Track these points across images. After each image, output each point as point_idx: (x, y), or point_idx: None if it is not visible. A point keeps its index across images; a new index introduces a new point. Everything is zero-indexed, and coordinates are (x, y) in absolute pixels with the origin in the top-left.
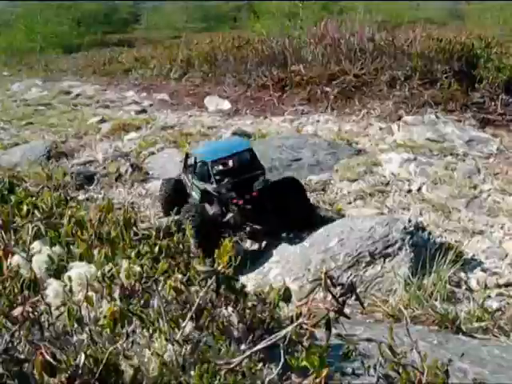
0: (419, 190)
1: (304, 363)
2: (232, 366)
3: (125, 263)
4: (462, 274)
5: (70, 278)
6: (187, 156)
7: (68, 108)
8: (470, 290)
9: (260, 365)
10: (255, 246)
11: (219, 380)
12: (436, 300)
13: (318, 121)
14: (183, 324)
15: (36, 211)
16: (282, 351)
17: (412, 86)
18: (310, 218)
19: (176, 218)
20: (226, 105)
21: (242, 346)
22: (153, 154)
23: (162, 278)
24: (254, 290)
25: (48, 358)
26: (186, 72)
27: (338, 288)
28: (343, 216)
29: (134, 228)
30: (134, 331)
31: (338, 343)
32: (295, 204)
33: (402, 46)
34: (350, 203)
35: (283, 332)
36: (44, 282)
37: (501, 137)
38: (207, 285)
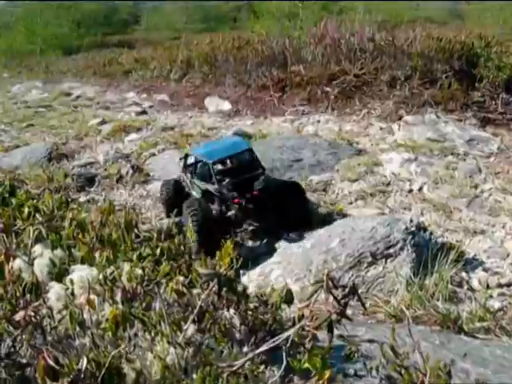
0: (420, 189)
1: (306, 365)
2: (234, 368)
3: (126, 266)
4: (464, 274)
5: (71, 281)
6: (186, 156)
7: (68, 110)
8: (471, 289)
9: (262, 367)
10: (256, 245)
11: (221, 383)
12: (438, 300)
13: (319, 121)
14: (185, 327)
15: (37, 214)
16: (284, 353)
17: (412, 85)
18: (308, 219)
19: (177, 219)
20: (226, 105)
21: (244, 349)
22: (153, 155)
23: (163, 281)
24: (255, 292)
25: (50, 362)
26: (186, 73)
27: (340, 290)
28: (344, 216)
29: (136, 230)
30: (136, 334)
31: (340, 344)
32: (294, 206)
33: (401, 45)
34: (351, 203)
35: (285, 334)
36: (46, 286)
37: (501, 136)
38: (209, 287)
